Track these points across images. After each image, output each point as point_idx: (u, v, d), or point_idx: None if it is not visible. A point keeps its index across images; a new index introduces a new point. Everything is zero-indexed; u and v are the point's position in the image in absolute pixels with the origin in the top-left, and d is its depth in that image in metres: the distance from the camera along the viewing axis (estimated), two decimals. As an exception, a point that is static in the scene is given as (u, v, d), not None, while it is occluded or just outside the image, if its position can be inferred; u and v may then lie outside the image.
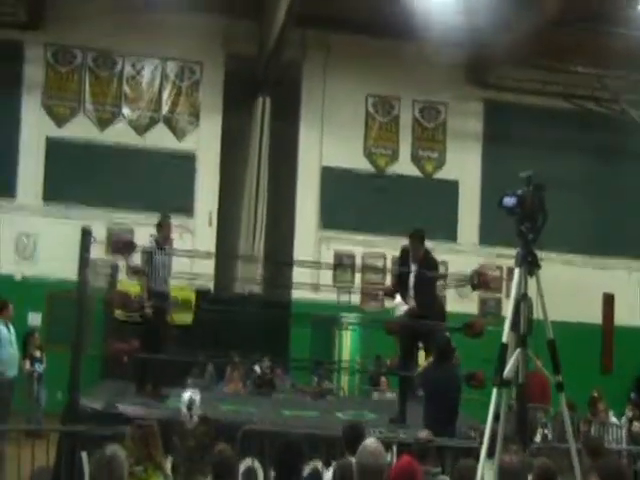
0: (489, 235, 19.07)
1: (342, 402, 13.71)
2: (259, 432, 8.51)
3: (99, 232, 12.29)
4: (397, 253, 11.04)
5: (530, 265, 6.01)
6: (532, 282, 6.10)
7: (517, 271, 6.00)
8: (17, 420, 13.38)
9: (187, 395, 8.13)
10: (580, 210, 18.78)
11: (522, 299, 5.97)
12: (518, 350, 5.87)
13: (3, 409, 12.89)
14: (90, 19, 17.79)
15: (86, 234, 9.22)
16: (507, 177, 19.97)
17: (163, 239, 10.45)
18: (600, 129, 19.45)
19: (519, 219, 6.06)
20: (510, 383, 5.83)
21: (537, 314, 5.97)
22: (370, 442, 5.28)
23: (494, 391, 5.87)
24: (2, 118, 17.86)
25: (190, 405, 7.88)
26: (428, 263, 10.33)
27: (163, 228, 10.49)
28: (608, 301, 18.75)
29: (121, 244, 10.26)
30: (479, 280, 10.94)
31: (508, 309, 6.06)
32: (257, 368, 15.62)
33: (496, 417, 5.85)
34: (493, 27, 16.85)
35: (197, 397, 8.08)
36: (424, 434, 7.38)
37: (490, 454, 5.81)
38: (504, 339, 5.91)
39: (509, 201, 6.10)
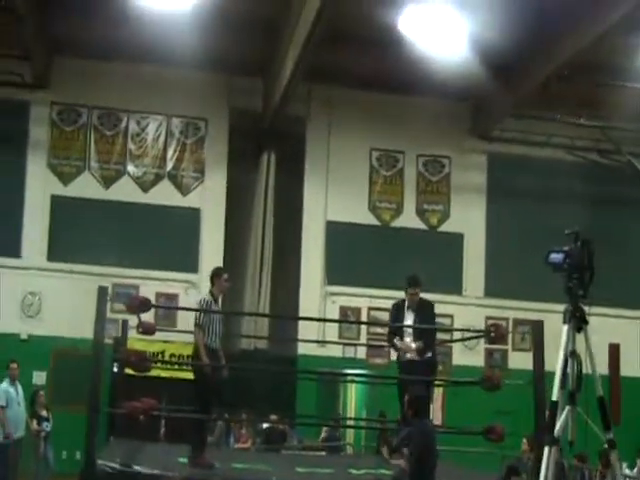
0: (494, 287, 19.08)
1: (352, 458, 13.55)
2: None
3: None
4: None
5: (578, 321, 5.97)
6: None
7: (565, 327, 5.97)
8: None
9: None
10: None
11: (570, 356, 5.91)
12: (567, 408, 5.80)
13: (12, 470, 12.81)
14: (95, 77, 17.98)
15: (102, 292, 9.22)
16: (511, 229, 20.32)
17: (218, 293, 10.20)
18: (604, 181, 19.50)
19: (567, 275, 6.03)
20: (559, 441, 5.75)
21: (586, 370, 5.90)
22: None
23: (545, 450, 5.77)
24: (7, 177, 17.94)
25: None
26: (425, 308, 10.37)
27: (220, 282, 10.23)
28: (614, 351, 18.62)
29: (137, 302, 10.15)
30: (496, 333, 10.93)
31: (557, 366, 5.97)
32: (265, 425, 15.50)
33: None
34: (497, 80, 16.95)
35: None
36: None
37: None
38: (554, 397, 5.85)
39: (556, 257, 6.09)
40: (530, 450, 11.72)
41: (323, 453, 14.80)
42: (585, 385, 5.99)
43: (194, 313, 10.05)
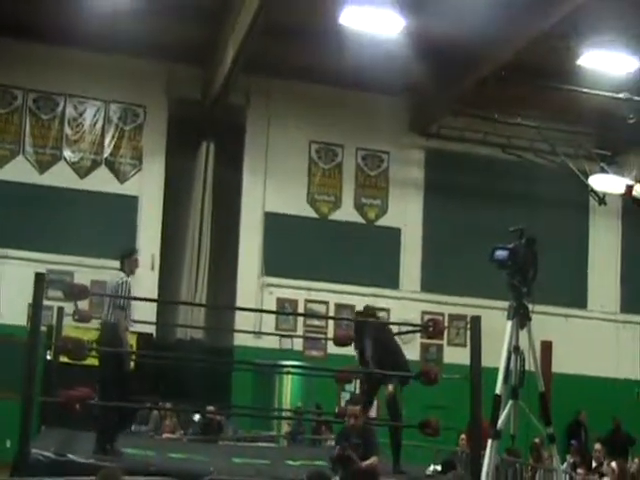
0: (430, 282, 19.27)
1: (288, 450, 13.58)
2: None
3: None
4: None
5: (522, 318, 6.03)
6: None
7: (509, 323, 6.03)
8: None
9: None
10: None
11: (514, 351, 5.97)
12: (510, 402, 5.87)
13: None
14: (32, 60, 17.65)
15: (40, 279, 9.04)
16: (448, 225, 20.54)
17: (129, 273, 9.81)
18: (540, 180, 19.81)
19: (511, 272, 6.08)
20: (501, 435, 5.81)
21: (529, 366, 5.98)
22: None
23: (489, 443, 5.83)
24: (-63, 161, 17.54)
25: None
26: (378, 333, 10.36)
27: (130, 263, 9.95)
28: (546, 349, 18.95)
29: (77, 289, 10.00)
30: (434, 328, 11.07)
31: (500, 361, 6.05)
32: (197, 416, 15.43)
33: None
34: (436, 77, 17.11)
35: None
36: None
37: None
38: (497, 390, 5.91)
39: (501, 254, 6.13)
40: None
41: (259, 444, 14.78)
42: (527, 381, 6.09)
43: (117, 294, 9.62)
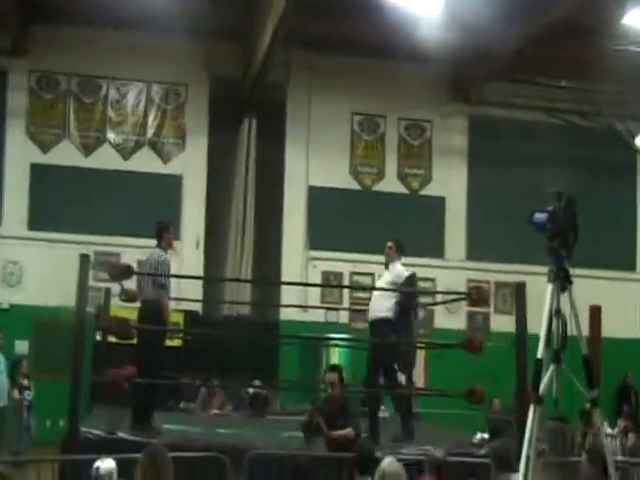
0: (476, 250, 19.14)
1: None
2: (266, 456, 8.45)
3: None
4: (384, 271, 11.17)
5: (562, 281, 5.93)
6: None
7: (550, 287, 5.92)
8: (6, 450, 13.30)
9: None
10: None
11: (555, 315, 5.89)
12: (552, 366, 5.80)
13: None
14: (74, 45, 17.79)
15: (84, 260, 9.18)
16: (493, 192, 20.34)
17: (167, 247, 10.00)
18: (586, 143, 19.52)
19: (550, 236, 5.97)
20: (543, 400, 5.76)
21: (571, 330, 5.91)
22: (389, 463, 5.16)
23: (531, 408, 5.78)
24: (-13, 146, 17.81)
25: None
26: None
27: (167, 236, 10.06)
28: (595, 313, 18.76)
29: (119, 270, 10.05)
30: (477, 296, 11.01)
31: (541, 324, 5.97)
32: (250, 390, 15.52)
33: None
34: (476, 43, 16.90)
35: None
36: (440, 453, 7.28)
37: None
38: (539, 355, 5.84)
39: (540, 217, 6.00)
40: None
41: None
42: (570, 345, 6.01)
43: (159, 272, 9.74)
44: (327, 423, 8.98)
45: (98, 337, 15.20)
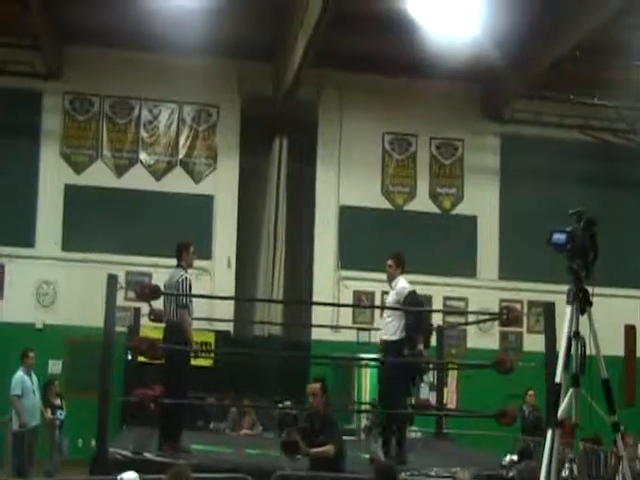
0: (508, 270, 19.01)
1: (366, 443, 13.58)
2: (292, 478, 8.46)
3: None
4: (417, 291, 11.08)
5: (582, 303, 5.87)
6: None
7: (569, 309, 5.85)
8: (40, 470, 13.39)
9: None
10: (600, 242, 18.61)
11: (574, 337, 5.81)
12: (571, 390, 5.72)
13: (27, 458, 12.92)
14: (107, 67, 18.00)
15: (112, 280, 9.24)
16: (525, 210, 20.15)
17: (187, 266, 9.89)
18: (619, 161, 19.36)
19: (570, 256, 5.92)
20: (561, 424, 5.67)
21: (590, 352, 5.82)
22: None
23: (549, 432, 5.71)
24: (21, 167, 18.00)
25: None
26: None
27: (187, 255, 9.95)
28: (630, 332, 18.55)
29: (147, 290, 10.05)
30: (509, 316, 10.89)
31: (561, 347, 5.89)
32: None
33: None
34: (508, 61, 16.84)
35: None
36: (467, 475, 7.23)
37: None
38: (557, 379, 5.77)
39: (559, 238, 5.96)
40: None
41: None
42: (589, 368, 5.91)
43: (180, 292, 9.63)
44: (308, 439, 8.86)
45: (129, 357, 15.32)
